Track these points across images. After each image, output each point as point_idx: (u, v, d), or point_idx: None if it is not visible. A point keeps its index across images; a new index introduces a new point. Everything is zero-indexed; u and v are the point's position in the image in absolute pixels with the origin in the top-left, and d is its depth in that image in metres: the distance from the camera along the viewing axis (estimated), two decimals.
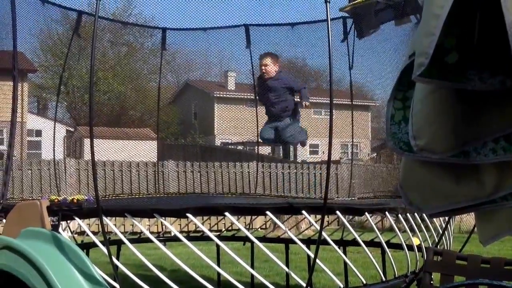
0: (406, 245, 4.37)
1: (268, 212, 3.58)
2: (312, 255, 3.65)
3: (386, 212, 3.99)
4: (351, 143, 7.44)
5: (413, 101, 1.43)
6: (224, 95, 22.67)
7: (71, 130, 15.45)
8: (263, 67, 6.72)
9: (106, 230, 3.60)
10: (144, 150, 11.39)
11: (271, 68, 6.72)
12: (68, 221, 4.44)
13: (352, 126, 6.99)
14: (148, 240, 4.03)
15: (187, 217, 3.50)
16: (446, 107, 1.38)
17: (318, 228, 3.33)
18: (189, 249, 3.70)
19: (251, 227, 8.47)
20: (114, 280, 3.42)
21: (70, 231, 6.53)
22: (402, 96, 1.53)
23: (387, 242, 4.90)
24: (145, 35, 8.41)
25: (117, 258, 5.45)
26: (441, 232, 4.74)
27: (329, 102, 3.36)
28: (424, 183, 1.48)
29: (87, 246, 5.43)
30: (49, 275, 3.00)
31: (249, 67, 7.84)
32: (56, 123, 7.46)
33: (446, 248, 4.69)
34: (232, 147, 20.96)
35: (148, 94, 10.05)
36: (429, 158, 1.40)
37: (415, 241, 4.45)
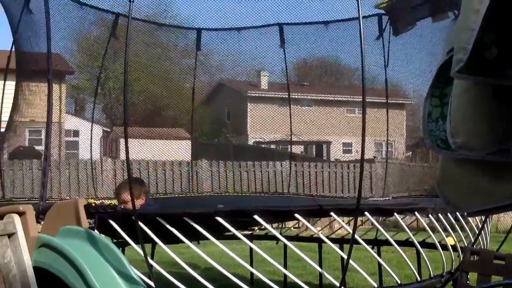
0: (441, 245, 4.31)
1: (297, 215, 3.57)
2: (345, 256, 3.64)
3: (416, 213, 3.94)
4: (385, 141, 7.36)
5: (451, 98, 1.41)
6: (257, 95, 22.70)
7: (107, 130, 15.71)
8: (122, 205, 4.87)
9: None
10: (178, 150, 11.50)
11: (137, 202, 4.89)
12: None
13: (387, 125, 6.92)
14: (181, 240, 4.08)
15: (216, 221, 3.52)
16: (484, 104, 1.35)
17: (350, 230, 3.31)
18: (222, 248, 3.73)
19: (284, 226, 8.46)
20: (149, 279, 3.47)
21: None
22: (439, 93, 1.51)
23: (422, 242, 4.84)
24: (179, 36, 8.50)
25: (152, 257, 5.52)
26: (477, 232, 4.66)
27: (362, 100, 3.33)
28: (462, 182, 1.45)
29: (123, 245, 5.51)
30: (87, 273, 3.06)
31: (281, 66, 7.84)
32: (93, 124, 7.61)
33: (482, 248, 4.60)
34: (265, 146, 20.95)
35: (182, 94, 10.14)
36: (467, 156, 1.37)
37: (450, 241, 4.38)
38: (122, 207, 4.75)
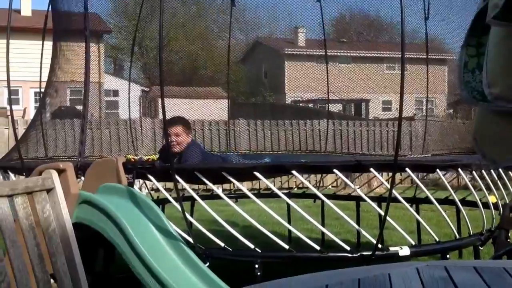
0: (482, 203, 4.24)
1: (335, 170, 3.55)
2: (382, 213, 3.62)
3: (459, 169, 3.85)
4: (425, 98, 7.20)
5: (488, 47, 1.34)
6: (294, 52, 22.41)
7: (146, 90, 15.86)
8: (173, 137, 4.75)
9: (180, 187, 3.73)
10: (216, 109, 11.53)
11: (183, 138, 4.88)
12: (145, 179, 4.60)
13: (428, 81, 6.74)
14: (220, 197, 4.13)
15: (255, 176, 3.53)
16: None
17: (389, 186, 3.27)
18: (260, 205, 3.75)
19: (322, 184, 8.46)
20: (188, 235, 3.53)
21: (147, 187, 6.76)
22: (476, 42, 1.43)
23: (462, 200, 4.77)
24: None
25: (191, 214, 5.62)
26: None
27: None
28: (500, 134, 1.39)
29: (162, 202, 5.61)
30: (126, 228, 3.13)
31: (318, 22, 7.68)
32: (132, 83, 7.68)
33: None
34: (303, 104, 20.82)
35: (219, 53, 10.11)
36: (504, 108, 1.31)
37: (492, 199, 4.30)
38: (174, 140, 4.73)
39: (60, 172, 3.05)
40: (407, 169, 3.55)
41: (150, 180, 3.84)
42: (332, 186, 8.80)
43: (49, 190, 1.78)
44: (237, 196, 5.95)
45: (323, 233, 5.54)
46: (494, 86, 1.28)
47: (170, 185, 5.63)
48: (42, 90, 5.79)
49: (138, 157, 4.66)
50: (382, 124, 13.82)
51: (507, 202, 4.33)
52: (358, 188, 6.53)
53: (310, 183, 7.62)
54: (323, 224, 5.83)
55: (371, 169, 3.53)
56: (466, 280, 1.69)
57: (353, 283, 1.65)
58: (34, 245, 1.61)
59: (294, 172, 3.54)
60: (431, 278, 1.70)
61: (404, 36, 3.17)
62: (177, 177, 3.34)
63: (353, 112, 22.13)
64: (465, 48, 1.45)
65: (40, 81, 5.68)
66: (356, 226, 4.07)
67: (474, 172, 3.99)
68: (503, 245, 2.84)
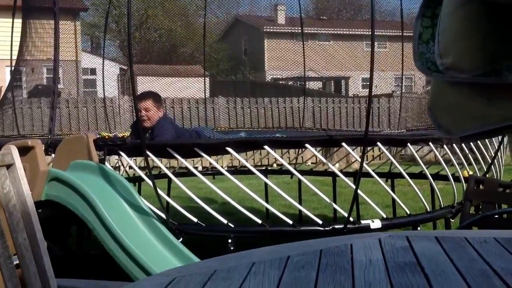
0: (455, 177, 4.30)
1: (307, 145, 3.56)
2: (354, 187, 3.65)
3: (430, 143, 3.89)
4: (401, 75, 7.25)
5: (440, 17, 1.34)
6: (274, 30, 22.32)
7: (125, 68, 15.70)
8: (143, 112, 4.54)
9: (155, 165, 3.71)
10: (195, 87, 11.47)
11: (154, 113, 4.68)
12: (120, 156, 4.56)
13: (403, 58, 6.78)
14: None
15: (227, 152, 3.53)
16: (476, 22, 1.28)
17: (359, 159, 3.30)
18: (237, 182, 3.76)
19: (302, 161, 8.46)
20: (163, 212, 3.53)
21: (123, 165, 6.73)
22: (431, 14, 1.43)
23: (436, 174, 4.83)
24: None
25: (168, 191, 5.61)
26: (494, 164, 4.62)
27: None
28: (454, 105, 1.40)
29: (138, 180, 5.59)
30: (96, 205, 3.11)
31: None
32: (110, 62, 7.60)
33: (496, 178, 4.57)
34: (283, 82, 20.81)
35: (198, 30, 10.03)
36: (457, 78, 1.31)
37: (464, 174, 4.36)
38: (144, 115, 4.55)
39: (29, 149, 3.02)
40: (378, 143, 3.58)
41: (125, 158, 3.82)
42: (312, 162, 8.82)
43: (8, 166, 1.76)
44: (214, 173, 5.94)
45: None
46: (446, 57, 1.29)
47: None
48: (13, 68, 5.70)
49: (113, 134, 4.61)
50: (361, 101, 13.89)
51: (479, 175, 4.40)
52: (335, 163, 6.58)
53: (289, 159, 7.66)
54: (300, 200, 5.87)
55: (343, 144, 3.56)
56: (426, 249, 1.71)
57: (315, 254, 1.66)
58: None
59: (266, 147, 3.54)
60: (392, 247, 1.72)
61: (374, 12, 3.16)
62: (148, 153, 3.33)
63: (333, 90, 22.20)
64: (420, 19, 1.44)
65: (11, 60, 5.58)
66: (328, 201, 4.10)
67: (445, 146, 4.04)
68: (467, 217, 2.89)
